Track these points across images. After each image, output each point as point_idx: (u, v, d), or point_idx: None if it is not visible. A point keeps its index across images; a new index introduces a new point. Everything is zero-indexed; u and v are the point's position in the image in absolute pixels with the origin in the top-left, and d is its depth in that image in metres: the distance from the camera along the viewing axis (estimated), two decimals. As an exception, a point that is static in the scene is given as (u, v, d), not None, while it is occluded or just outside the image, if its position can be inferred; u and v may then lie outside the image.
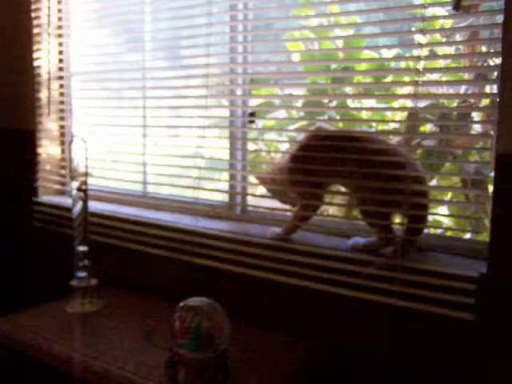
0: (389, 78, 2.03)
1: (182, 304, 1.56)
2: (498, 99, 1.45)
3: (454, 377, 1.58)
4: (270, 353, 1.71)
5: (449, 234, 1.98)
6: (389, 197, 1.63)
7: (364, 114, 2.03)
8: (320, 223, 1.89)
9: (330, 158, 1.71)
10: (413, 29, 1.74)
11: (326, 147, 1.73)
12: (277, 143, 2.33)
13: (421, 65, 1.58)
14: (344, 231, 1.83)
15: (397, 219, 1.69)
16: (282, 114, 2.25)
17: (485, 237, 1.58)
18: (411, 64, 1.63)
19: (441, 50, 1.82)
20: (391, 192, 1.62)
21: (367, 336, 1.73)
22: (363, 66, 2.11)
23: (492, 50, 1.46)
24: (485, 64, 1.79)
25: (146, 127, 2.29)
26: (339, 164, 1.70)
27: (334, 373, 1.78)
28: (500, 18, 1.42)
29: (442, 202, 2.03)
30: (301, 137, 1.84)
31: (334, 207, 2.05)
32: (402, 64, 1.92)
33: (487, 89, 1.79)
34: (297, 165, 1.79)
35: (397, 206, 1.63)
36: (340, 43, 2.03)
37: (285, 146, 2.23)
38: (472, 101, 1.86)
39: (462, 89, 1.87)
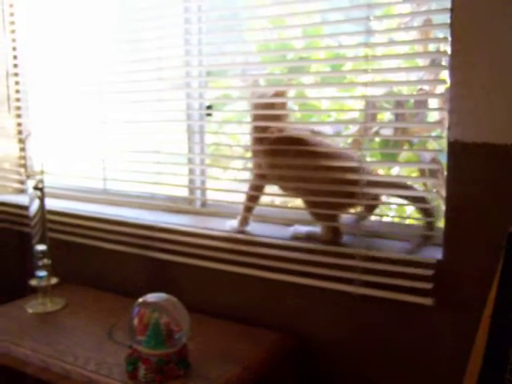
0: (345, 67, 2.03)
1: (140, 300, 1.55)
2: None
3: (417, 360, 1.61)
4: (232, 345, 1.70)
5: (411, 221, 1.99)
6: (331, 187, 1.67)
7: (323, 104, 2.02)
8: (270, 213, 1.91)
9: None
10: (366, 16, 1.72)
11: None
12: (237, 135, 2.31)
13: (373, 52, 1.59)
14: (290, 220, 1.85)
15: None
16: (242, 105, 2.22)
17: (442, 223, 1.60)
18: (364, 52, 1.62)
19: (397, 38, 1.81)
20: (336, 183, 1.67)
21: (332, 325, 1.74)
22: (320, 56, 2.10)
23: (442, 36, 1.46)
24: (437, 50, 1.78)
25: (103, 123, 2.25)
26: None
27: (298, 363, 1.79)
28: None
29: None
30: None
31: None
32: (359, 52, 1.91)
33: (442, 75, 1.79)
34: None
35: (347, 196, 1.66)
36: (297, 32, 2.01)
37: (245, 138, 2.21)
38: (427, 88, 1.86)
39: (417, 76, 1.86)
